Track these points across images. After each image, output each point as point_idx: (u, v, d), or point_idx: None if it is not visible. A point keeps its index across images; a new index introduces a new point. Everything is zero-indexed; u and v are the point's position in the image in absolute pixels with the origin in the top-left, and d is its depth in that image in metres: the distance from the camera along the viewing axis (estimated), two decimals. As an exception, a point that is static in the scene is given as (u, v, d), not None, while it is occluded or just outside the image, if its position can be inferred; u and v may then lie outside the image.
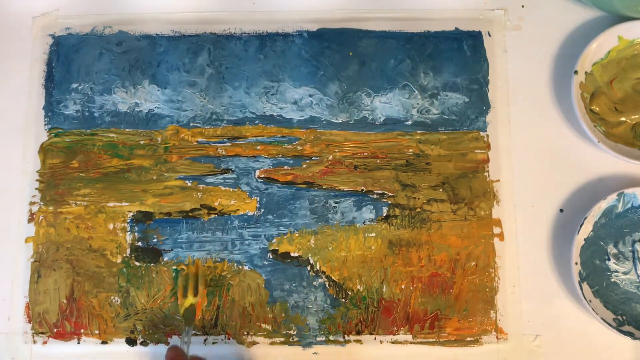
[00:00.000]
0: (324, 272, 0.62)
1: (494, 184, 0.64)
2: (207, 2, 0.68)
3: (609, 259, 0.61)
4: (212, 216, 0.63)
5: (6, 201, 0.64)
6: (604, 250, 0.61)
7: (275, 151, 0.65)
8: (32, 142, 0.65)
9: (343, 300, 0.62)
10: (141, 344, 0.62)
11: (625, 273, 0.61)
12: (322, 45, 0.66)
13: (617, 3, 0.61)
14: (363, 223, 0.63)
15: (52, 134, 0.65)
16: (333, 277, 0.62)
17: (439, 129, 0.65)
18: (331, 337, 0.62)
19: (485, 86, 0.65)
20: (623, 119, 0.63)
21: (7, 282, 0.63)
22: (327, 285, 0.62)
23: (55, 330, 0.62)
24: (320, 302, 0.62)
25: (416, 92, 0.65)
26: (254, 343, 0.62)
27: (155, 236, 0.63)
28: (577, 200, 0.63)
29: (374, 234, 0.63)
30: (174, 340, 0.62)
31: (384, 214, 0.63)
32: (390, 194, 0.64)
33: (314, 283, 0.62)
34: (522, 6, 0.67)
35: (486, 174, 0.64)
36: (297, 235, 0.63)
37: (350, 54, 0.66)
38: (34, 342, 0.62)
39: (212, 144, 0.65)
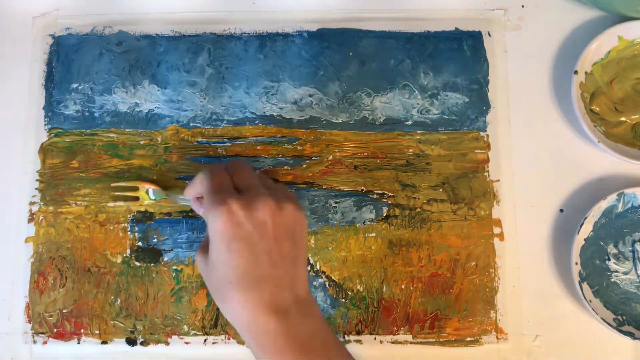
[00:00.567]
0: (324, 272, 0.62)
1: (494, 184, 0.64)
2: (207, 2, 0.68)
3: (609, 259, 0.61)
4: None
5: (6, 201, 0.64)
6: (604, 250, 0.61)
7: (275, 151, 0.65)
8: (32, 142, 0.65)
9: (343, 300, 0.62)
10: (141, 344, 0.62)
11: (625, 273, 0.61)
12: (322, 45, 0.66)
13: (617, 3, 0.61)
14: (363, 223, 0.63)
15: (52, 134, 0.65)
16: (333, 277, 0.62)
17: (439, 129, 0.65)
18: (331, 337, 0.62)
19: (485, 86, 0.65)
20: (623, 119, 0.63)
21: (7, 282, 0.63)
22: (327, 285, 0.62)
23: (55, 330, 0.62)
24: (320, 302, 0.62)
25: (416, 92, 0.65)
26: (254, 343, 0.62)
27: (155, 236, 0.63)
28: (577, 200, 0.63)
29: (374, 234, 0.63)
30: (174, 340, 0.62)
31: (384, 214, 0.63)
32: (390, 194, 0.64)
33: (314, 283, 0.62)
34: (522, 6, 0.67)
35: (486, 174, 0.64)
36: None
37: (350, 54, 0.66)
38: (34, 342, 0.62)
39: (212, 144, 0.65)
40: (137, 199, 0.63)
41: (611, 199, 0.60)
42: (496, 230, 0.63)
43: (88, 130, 0.66)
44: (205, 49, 0.66)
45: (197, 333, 0.62)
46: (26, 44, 0.67)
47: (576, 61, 0.63)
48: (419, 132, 0.65)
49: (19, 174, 0.65)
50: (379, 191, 0.64)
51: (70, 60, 0.67)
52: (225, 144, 0.65)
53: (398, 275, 0.62)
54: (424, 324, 0.62)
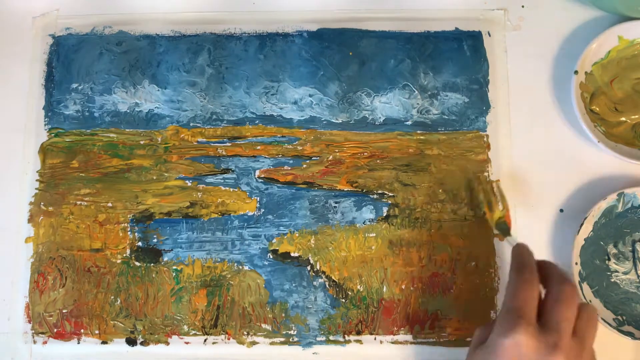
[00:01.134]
0: (324, 272, 0.62)
1: (494, 184, 0.63)
2: (207, 2, 0.68)
3: (609, 259, 0.61)
4: (212, 216, 0.63)
5: (6, 201, 0.64)
6: (604, 250, 0.61)
7: (275, 151, 0.65)
8: (32, 142, 0.65)
9: (343, 300, 0.62)
10: (141, 344, 0.62)
11: (625, 273, 0.61)
12: (322, 45, 0.66)
13: (617, 3, 0.61)
14: (363, 223, 0.63)
15: (52, 134, 0.65)
16: (333, 277, 0.62)
17: (439, 129, 0.65)
18: (331, 337, 0.62)
19: (485, 86, 0.65)
20: (623, 119, 0.63)
21: (7, 282, 0.63)
22: (327, 285, 0.62)
23: (55, 330, 0.62)
24: (320, 302, 0.62)
25: (416, 92, 0.65)
26: (254, 343, 0.62)
27: (155, 236, 0.63)
28: (577, 200, 0.63)
29: (374, 234, 0.63)
30: (174, 340, 0.62)
31: (384, 214, 0.63)
32: (390, 194, 0.64)
33: (314, 283, 0.62)
34: (522, 6, 0.67)
35: (486, 174, 0.64)
36: (297, 235, 0.63)
37: (350, 54, 0.66)
38: (34, 342, 0.62)
39: (212, 144, 0.65)
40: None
41: (611, 199, 0.60)
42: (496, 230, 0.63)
43: (88, 130, 0.66)
44: (205, 49, 0.66)
45: (197, 333, 0.62)
46: (26, 44, 0.67)
47: (576, 61, 0.63)
48: (419, 132, 0.65)
49: (19, 174, 0.65)
50: (379, 191, 0.64)
51: (70, 60, 0.67)
52: (225, 144, 0.65)
53: (398, 275, 0.62)
54: (424, 324, 0.62)
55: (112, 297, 0.62)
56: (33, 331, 0.62)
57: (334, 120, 0.65)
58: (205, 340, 0.62)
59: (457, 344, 0.61)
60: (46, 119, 0.66)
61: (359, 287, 0.62)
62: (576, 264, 0.60)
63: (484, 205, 0.61)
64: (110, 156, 0.65)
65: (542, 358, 0.43)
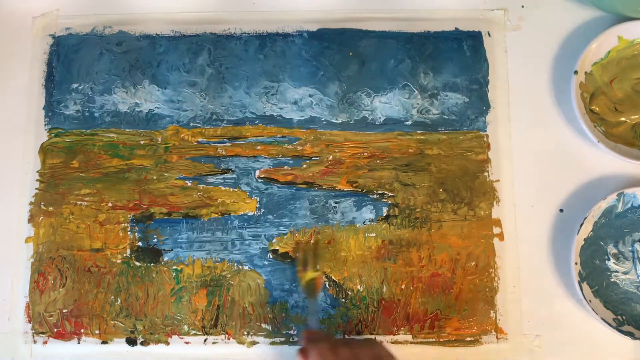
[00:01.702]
0: (324, 272, 0.62)
1: (494, 184, 0.64)
2: (207, 2, 0.68)
3: (608, 259, 0.61)
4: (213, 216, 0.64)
5: (6, 201, 0.64)
6: (604, 250, 0.61)
7: (275, 151, 0.65)
8: (32, 142, 0.65)
9: (343, 300, 0.62)
10: (141, 344, 0.62)
11: (625, 273, 0.61)
12: (322, 46, 0.66)
13: (617, 3, 0.61)
14: (363, 223, 0.63)
15: (52, 134, 0.65)
16: (333, 277, 0.62)
17: (439, 129, 0.65)
18: (331, 337, 0.62)
19: (485, 86, 0.65)
20: (623, 119, 0.63)
21: (7, 282, 0.63)
22: (327, 286, 0.62)
23: (55, 330, 0.62)
24: (320, 302, 0.62)
25: (416, 92, 0.65)
26: (254, 343, 0.62)
27: (155, 236, 0.63)
28: (577, 200, 0.63)
29: (374, 234, 0.63)
30: (174, 339, 0.62)
31: (384, 214, 0.63)
32: (390, 194, 0.64)
33: (314, 283, 0.62)
34: (522, 6, 0.67)
35: (486, 174, 0.64)
36: (297, 235, 0.63)
37: (350, 54, 0.66)
38: (34, 342, 0.62)
39: (212, 144, 0.65)
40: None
41: (611, 199, 0.60)
42: (496, 230, 0.63)
43: (88, 130, 0.66)
44: (205, 49, 0.66)
45: (197, 333, 0.62)
46: (26, 44, 0.67)
47: (576, 61, 0.63)
48: (419, 132, 0.65)
49: (19, 174, 0.65)
50: (379, 191, 0.64)
51: (70, 60, 0.67)
52: (225, 144, 0.65)
53: (398, 275, 0.62)
54: (424, 324, 0.62)
55: (112, 297, 0.62)
56: (33, 331, 0.62)
57: (334, 121, 0.65)
58: (205, 340, 0.62)
59: (457, 344, 0.61)
60: (46, 119, 0.66)
61: (358, 287, 0.62)
62: (576, 264, 0.60)
63: (300, 263, 0.61)
64: (111, 156, 0.65)
65: None
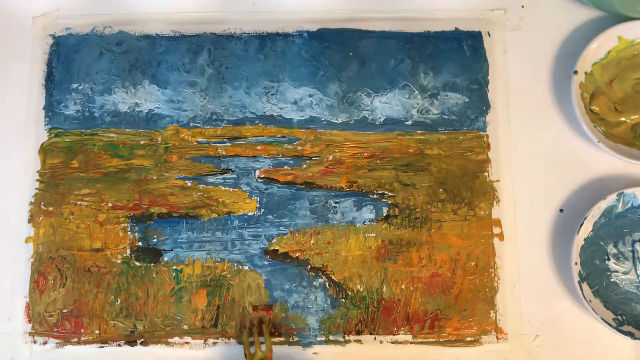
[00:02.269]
0: (324, 272, 0.62)
1: (494, 184, 0.64)
2: (207, 2, 0.68)
3: (609, 259, 0.61)
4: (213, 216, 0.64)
5: (6, 201, 0.64)
6: (604, 250, 0.61)
7: (275, 151, 0.65)
8: (32, 142, 0.65)
9: (343, 300, 0.62)
10: (141, 344, 0.62)
11: (625, 273, 0.61)
12: (322, 45, 0.66)
13: (617, 3, 0.61)
14: (363, 223, 0.63)
15: (52, 134, 0.65)
16: (333, 277, 0.62)
17: (439, 129, 0.65)
18: (331, 337, 0.62)
19: (485, 86, 0.65)
20: (623, 119, 0.63)
21: (7, 282, 0.63)
22: (327, 285, 0.62)
23: (55, 330, 0.62)
24: (320, 302, 0.62)
25: (416, 92, 0.65)
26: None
27: (155, 236, 0.63)
28: (577, 200, 0.63)
29: (374, 234, 0.63)
30: (174, 340, 0.62)
31: (384, 214, 0.63)
32: (390, 194, 0.64)
33: (314, 283, 0.62)
34: (522, 6, 0.67)
35: (486, 174, 0.64)
36: (297, 235, 0.63)
37: (350, 54, 0.66)
38: (34, 342, 0.62)
39: (212, 144, 0.65)
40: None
41: (611, 199, 0.60)
42: (496, 230, 0.63)
43: (88, 130, 0.66)
44: (205, 49, 0.66)
45: (197, 333, 0.62)
46: (26, 44, 0.67)
47: (576, 61, 0.63)
48: (419, 132, 0.65)
49: (19, 174, 0.65)
50: (379, 191, 0.64)
51: (70, 60, 0.67)
52: (225, 144, 0.65)
53: (398, 275, 0.62)
54: (424, 324, 0.62)
55: (112, 297, 0.62)
56: (33, 331, 0.62)
57: (334, 120, 0.65)
58: (205, 340, 0.62)
59: (457, 344, 0.61)
60: (46, 119, 0.66)
61: (358, 287, 0.62)
62: (576, 263, 0.60)
63: (246, 346, 0.59)
64: (111, 156, 0.65)
65: None
